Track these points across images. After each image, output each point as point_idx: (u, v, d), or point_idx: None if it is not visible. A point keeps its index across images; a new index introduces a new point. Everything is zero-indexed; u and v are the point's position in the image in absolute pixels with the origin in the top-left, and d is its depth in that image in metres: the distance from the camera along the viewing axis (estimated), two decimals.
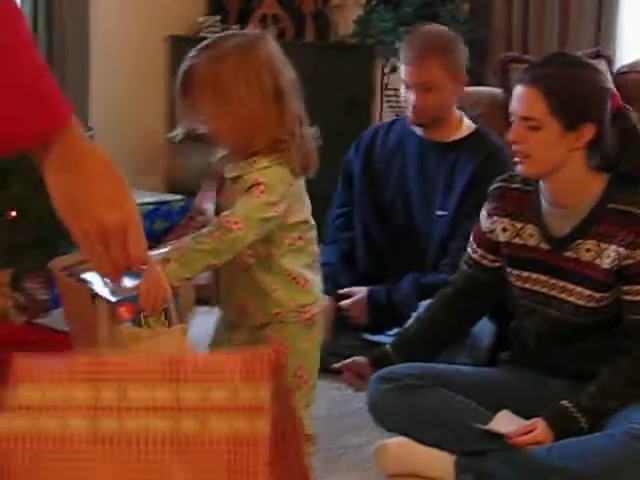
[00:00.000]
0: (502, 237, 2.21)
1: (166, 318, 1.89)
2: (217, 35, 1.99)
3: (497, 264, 2.26)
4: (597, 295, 2.08)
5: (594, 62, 3.64)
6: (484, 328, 2.64)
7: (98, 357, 1.30)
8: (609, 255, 2.04)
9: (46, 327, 3.33)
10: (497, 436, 2.04)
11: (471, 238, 2.31)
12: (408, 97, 2.82)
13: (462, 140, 2.87)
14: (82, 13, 4.38)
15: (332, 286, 2.84)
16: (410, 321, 2.43)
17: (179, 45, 4.87)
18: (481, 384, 2.20)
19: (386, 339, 2.76)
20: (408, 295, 2.81)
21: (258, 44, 1.94)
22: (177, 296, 1.90)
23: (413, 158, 2.92)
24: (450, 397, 2.14)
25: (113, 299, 1.88)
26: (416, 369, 2.22)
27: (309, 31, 5.03)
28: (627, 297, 2.05)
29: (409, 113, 2.85)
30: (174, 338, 1.88)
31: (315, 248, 2.07)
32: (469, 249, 2.31)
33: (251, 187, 1.90)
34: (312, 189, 2.05)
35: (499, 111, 3.37)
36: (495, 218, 2.22)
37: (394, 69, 4.54)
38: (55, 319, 3.33)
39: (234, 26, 4.90)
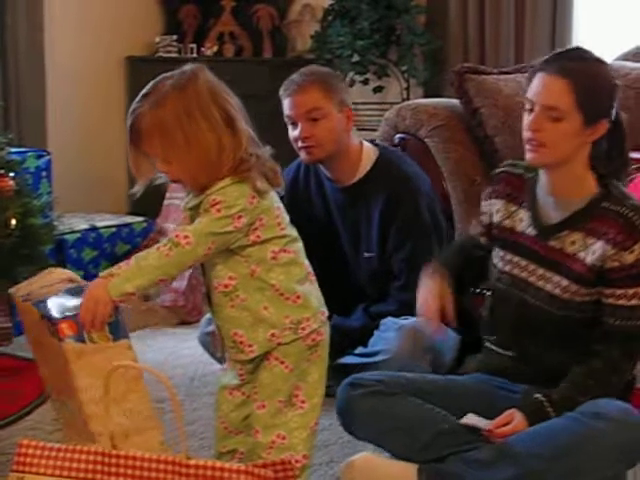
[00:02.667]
0: (495, 218, 2.24)
1: (111, 333, 1.90)
2: (155, 80, 1.96)
3: (489, 246, 2.28)
4: (574, 287, 2.09)
5: None
6: (447, 343, 2.65)
7: (105, 452, 1.37)
8: (594, 251, 2.06)
9: (9, 355, 3.30)
10: (473, 430, 2.05)
11: (472, 224, 2.36)
12: (295, 134, 2.75)
13: (366, 177, 2.82)
14: (37, 37, 4.35)
15: None
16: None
17: (137, 66, 4.87)
18: (450, 391, 2.20)
19: (354, 358, 2.76)
20: (362, 325, 2.83)
21: (196, 78, 1.93)
22: (119, 311, 1.92)
23: (334, 202, 2.90)
24: (419, 405, 2.14)
25: (57, 316, 1.88)
26: (386, 376, 2.22)
27: (267, 48, 5.03)
28: (609, 300, 2.06)
29: (302, 153, 2.78)
30: (119, 353, 1.90)
31: (305, 260, 2.07)
32: (471, 227, 2.36)
33: (209, 207, 1.90)
34: None
35: (457, 122, 3.37)
36: (492, 200, 2.25)
37: (352, 83, 4.55)
38: (19, 346, 3.31)
39: (191, 45, 4.92)
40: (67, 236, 3.84)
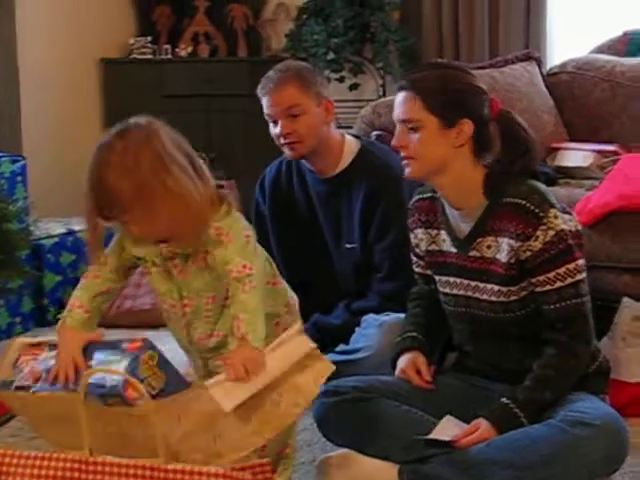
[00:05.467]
0: (423, 246, 2.27)
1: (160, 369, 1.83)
2: (103, 145, 1.87)
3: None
4: (504, 289, 2.10)
5: (525, 64, 3.73)
6: None
7: (83, 458, 1.35)
8: (504, 249, 2.07)
9: None
10: (442, 444, 2.04)
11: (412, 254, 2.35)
12: (276, 131, 2.76)
13: (349, 168, 2.84)
14: (8, 39, 4.30)
15: None
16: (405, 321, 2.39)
17: (112, 68, 4.85)
18: (426, 392, 2.20)
19: (335, 356, 2.75)
20: (343, 322, 2.83)
21: (154, 129, 1.89)
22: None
23: (316, 195, 2.91)
24: (395, 407, 2.14)
25: (120, 388, 1.77)
26: (361, 382, 2.22)
27: (242, 47, 5.02)
28: (537, 289, 2.07)
29: (285, 150, 2.79)
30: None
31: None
32: (413, 264, 2.36)
33: (219, 237, 1.90)
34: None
35: None
36: (415, 231, 2.29)
37: (328, 81, 4.53)
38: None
39: (165, 46, 4.89)
40: (44, 241, 3.81)
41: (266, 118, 2.79)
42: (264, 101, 2.76)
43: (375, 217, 2.79)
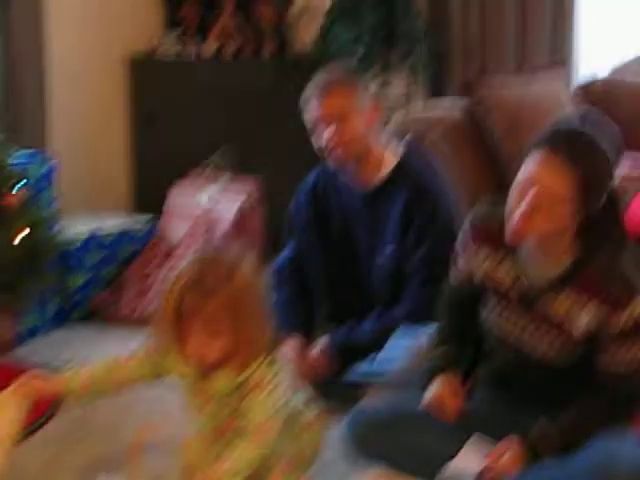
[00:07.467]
0: (481, 268, 2.19)
1: None
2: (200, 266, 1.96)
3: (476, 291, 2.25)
4: (568, 348, 2.08)
5: (554, 73, 3.69)
6: None
7: None
8: (582, 316, 2.03)
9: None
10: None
11: (451, 265, 2.30)
12: (323, 138, 2.76)
13: (387, 181, 2.85)
14: (37, 38, 4.29)
15: (291, 323, 2.84)
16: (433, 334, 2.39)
17: (139, 66, 4.84)
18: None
19: (360, 377, 2.77)
20: (372, 331, 2.83)
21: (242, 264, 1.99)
22: None
23: (353, 208, 2.92)
24: (424, 434, 2.15)
25: None
26: (393, 404, 2.23)
27: (268, 46, 5.00)
28: (605, 356, 2.04)
29: (330, 157, 2.80)
30: None
31: None
32: (452, 273, 2.32)
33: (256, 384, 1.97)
34: None
35: (463, 129, 3.38)
36: (471, 254, 2.21)
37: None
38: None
39: (192, 43, 4.87)
40: (70, 242, 3.81)
41: (309, 125, 2.79)
42: (310, 106, 2.77)
43: (411, 227, 2.80)
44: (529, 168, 1.98)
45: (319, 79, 2.79)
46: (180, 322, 1.91)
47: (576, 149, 1.96)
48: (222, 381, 1.98)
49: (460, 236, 2.26)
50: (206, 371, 1.98)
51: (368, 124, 2.80)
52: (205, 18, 5.02)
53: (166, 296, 1.92)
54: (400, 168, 2.87)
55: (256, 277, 2.00)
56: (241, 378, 1.95)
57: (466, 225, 2.24)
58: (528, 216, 1.97)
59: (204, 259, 1.96)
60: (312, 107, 2.77)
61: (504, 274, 2.14)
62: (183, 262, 1.97)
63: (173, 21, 5.03)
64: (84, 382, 2.06)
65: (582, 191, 1.95)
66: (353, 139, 2.76)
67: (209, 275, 1.90)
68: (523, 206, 1.97)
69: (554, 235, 2.02)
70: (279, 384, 1.97)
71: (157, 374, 2.09)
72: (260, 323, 1.96)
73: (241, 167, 4.39)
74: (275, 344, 2.02)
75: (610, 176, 2.02)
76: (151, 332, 2.02)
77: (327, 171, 2.96)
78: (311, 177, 3.05)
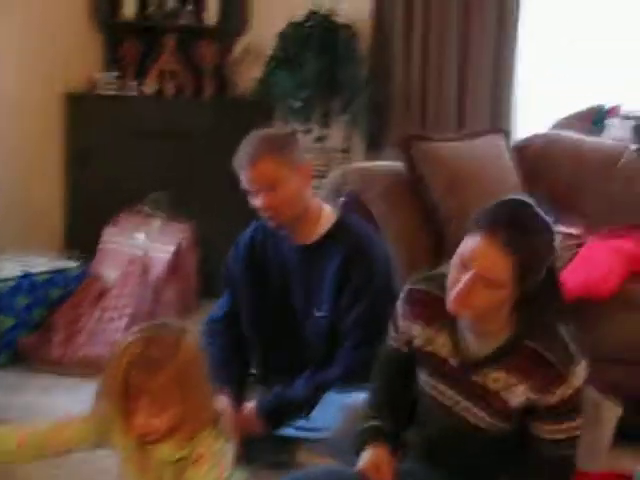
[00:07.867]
0: (415, 342, 2.19)
1: None
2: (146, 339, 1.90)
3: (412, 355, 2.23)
4: (498, 424, 2.08)
5: (493, 136, 3.74)
6: None
7: None
8: (517, 394, 2.03)
9: None
10: None
11: (389, 327, 2.28)
12: (257, 203, 2.76)
13: (325, 237, 2.85)
14: None
15: (224, 378, 2.81)
16: (368, 395, 2.36)
17: (75, 103, 4.78)
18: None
19: (295, 431, 2.75)
20: (304, 390, 2.81)
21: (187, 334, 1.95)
22: None
23: (290, 262, 2.91)
24: None
25: None
26: (327, 470, 2.22)
27: (208, 87, 4.98)
28: (534, 431, 2.05)
29: (267, 221, 2.81)
30: None
31: None
32: (389, 336, 2.29)
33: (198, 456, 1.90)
34: None
35: (402, 187, 3.38)
36: (409, 322, 2.19)
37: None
38: None
39: (132, 82, 4.84)
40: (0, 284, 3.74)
41: (246, 189, 2.78)
42: (242, 176, 2.75)
43: (346, 288, 2.79)
44: (468, 247, 1.96)
45: (247, 146, 2.76)
46: (126, 397, 1.86)
47: (516, 235, 1.93)
48: (165, 452, 1.94)
49: (399, 301, 2.25)
50: (149, 442, 1.94)
51: (303, 182, 2.79)
52: (145, 57, 4.99)
53: (111, 371, 1.87)
54: (338, 225, 2.87)
55: (199, 346, 1.97)
56: (185, 450, 1.91)
57: (405, 293, 2.22)
58: (465, 295, 1.95)
59: (148, 332, 1.92)
60: (242, 176, 2.76)
61: (440, 345, 2.13)
62: (127, 335, 1.92)
63: (113, 59, 4.98)
64: (22, 438, 1.99)
65: (521, 275, 1.94)
66: (287, 202, 2.75)
67: (154, 350, 1.86)
68: (460, 285, 1.96)
69: (491, 311, 2.02)
70: (222, 458, 1.93)
71: (98, 443, 2.04)
72: (206, 392, 1.93)
73: (176, 209, 4.36)
74: (219, 414, 1.98)
75: (551, 253, 2.01)
76: (96, 398, 1.96)
77: (265, 224, 2.94)
78: (250, 229, 3.03)
